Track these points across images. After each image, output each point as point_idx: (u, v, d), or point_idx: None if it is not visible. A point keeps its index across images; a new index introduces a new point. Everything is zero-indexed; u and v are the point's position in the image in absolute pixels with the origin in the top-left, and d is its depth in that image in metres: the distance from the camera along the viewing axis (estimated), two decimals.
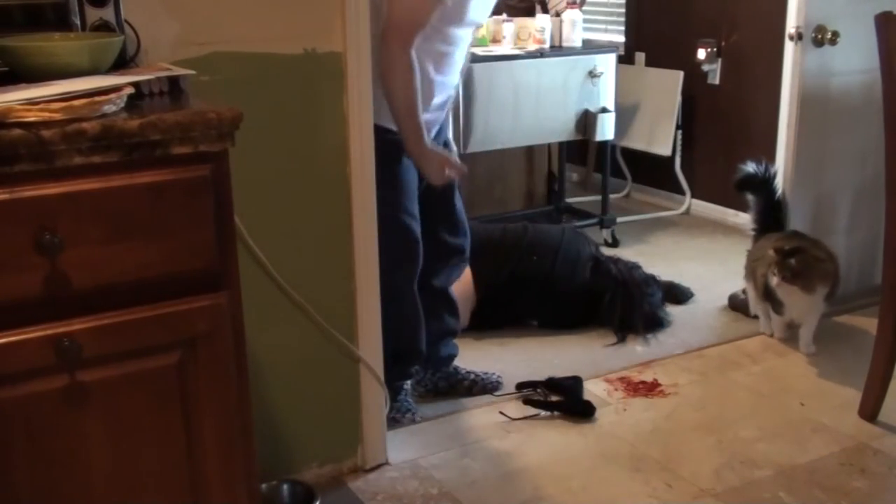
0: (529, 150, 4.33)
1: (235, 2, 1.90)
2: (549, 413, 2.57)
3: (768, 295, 2.93)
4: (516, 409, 2.60)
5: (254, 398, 1.52)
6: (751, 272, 3.08)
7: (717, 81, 4.33)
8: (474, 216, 3.35)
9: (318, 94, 2.03)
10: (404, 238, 2.36)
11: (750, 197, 3.20)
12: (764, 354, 2.98)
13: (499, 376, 2.74)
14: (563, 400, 2.62)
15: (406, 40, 2.15)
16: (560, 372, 2.78)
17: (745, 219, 3.33)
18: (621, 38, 4.70)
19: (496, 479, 2.29)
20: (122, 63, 1.58)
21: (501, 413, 2.57)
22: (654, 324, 3.17)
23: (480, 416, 2.58)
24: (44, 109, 1.26)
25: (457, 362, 2.72)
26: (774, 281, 2.81)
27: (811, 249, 2.86)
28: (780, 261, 2.81)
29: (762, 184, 3.12)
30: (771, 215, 3.12)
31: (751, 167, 3.14)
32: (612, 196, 4.32)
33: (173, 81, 1.55)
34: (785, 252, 2.82)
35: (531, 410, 2.58)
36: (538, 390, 2.66)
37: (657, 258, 3.80)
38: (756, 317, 3.16)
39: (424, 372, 2.68)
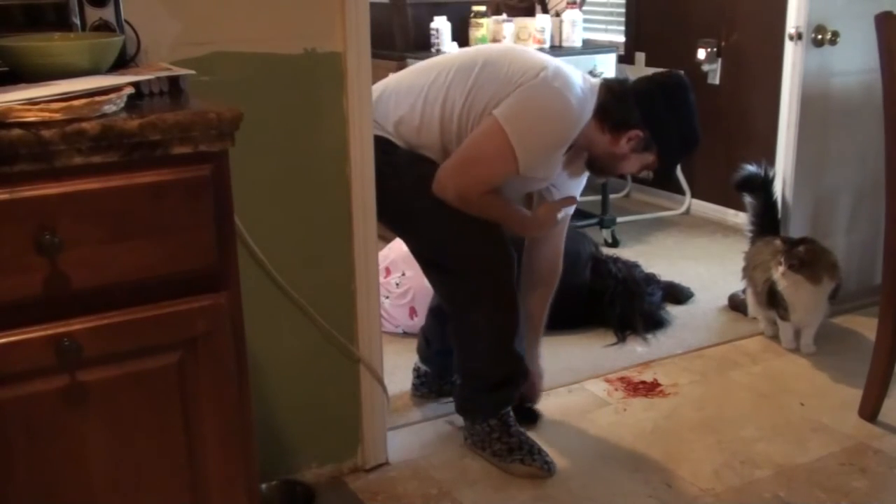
0: None
1: (236, 2, 1.90)
2: None
3: (772, 300, 2.93)
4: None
5: (254, 398, 1.51)
6: (749, 277, 3.08)
7: (717, 81, 4.33)
8: None
9: (318, 94, 2.03)
10: (493, 243, 2.23)
11: (748, 199, 3.21)
12: (764, 354, 2.98)
13: None
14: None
15: (477, 189, 2.16)
16: (560, 371, 2.79)
17: (744, 219, 3.33)
18: (621, 38, 4.70)
19: (496, 479, 2.29)
20: (122, 63, 1.58)
21: (451, 423, 2.53)
22: (654, 323, 3.17)
23: None
24: (44, 109, 1.26)
25: None
26: (780, 270, 2.80)
27: (818, 243, 2.86)
28: (787, 249, 2.81)
29: (762, 185, 3.13)
30: (768, 217, 3.13)
31: (751, 168, 3.15)
32: (612, 196, 4.32)
33: (173, 81, 1.55)
34: (793, 242, 2.83)
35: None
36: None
37: (657, 258, 3.80)
38: (755, 318, 3.16)
39: (433, 378, 2.68)
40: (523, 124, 2.12)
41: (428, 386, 2.68)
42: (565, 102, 2.15)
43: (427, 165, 2.21)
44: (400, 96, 2.25)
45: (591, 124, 2.23)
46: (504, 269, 2.23)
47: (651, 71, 2.46)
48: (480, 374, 2.34)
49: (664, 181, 2.37)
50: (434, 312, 2.63)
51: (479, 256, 2.21)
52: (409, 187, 2.21)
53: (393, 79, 2.34)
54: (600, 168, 2.35)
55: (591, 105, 2.22)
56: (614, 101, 2.23)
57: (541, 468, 2.29)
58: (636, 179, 4.79)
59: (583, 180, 2.46)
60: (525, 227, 2.31)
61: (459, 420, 2.47)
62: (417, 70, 2.32)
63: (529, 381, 2.46)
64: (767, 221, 3.13)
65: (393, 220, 2.30)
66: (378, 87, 2.29)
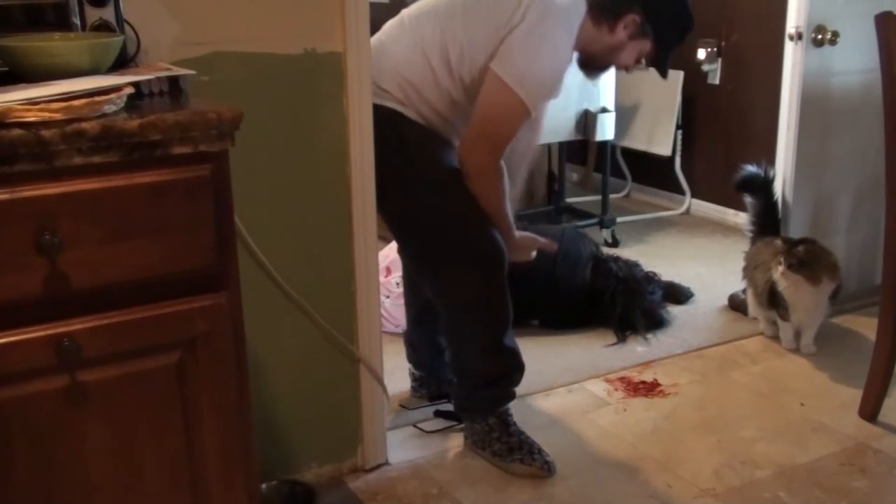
0: None
1: (236, 2, 1.90)
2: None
3: (773, 301, 2.93)
4: (434, 422, 2.55)
5: (254, 398, 1.52)
6: (750, 277, 3.08)
7: (717, 81, 4.33)
8: None
9: (318, 95, 2.03)
10: (491, 239, 2.23)
11: (748, 200, 3.21)
12: (764, 354, 2.98)
13: None
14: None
15: (498, 152, 2.17)
16: (560, 372, 2.79)
17: (745, 219, 3.33)
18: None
19: (496, 478, 2.29)
20: (122, 63, 1.58)
21: (416, 426, 2.52)
22: (655, 322, 3.17)
23: None
24: (44, 109, 1.26)
25: None
26: (780, 270, 2.81)
27: (818, 243, 2.87)
28: (787, 249, 2.81)
29: (762, 185, 3.13)
30: (769, 218, 3.13)
31: (752, 168, 3.15)
32: (612, 196, 4.32)
33: (173, 81, 1.55)
34: (792, 242, 2.83)
35: (444, 423, 2.53)
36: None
37: (657, 258, 3.79)
38: (755, 318, 3.16)
39: (429, 380, 2.68)
40: (523, 72, 2.12)
41: (426, 387, 2.68)
42: (555, 31, 2.16)
43: (437, 149, 2.20)
44: (397, 56, 2.21)
45: (584, 26, 2.23)
46: (495, 265, 2.23)
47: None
48: (475, 372, 2.34)
49: (660, 70, 2.38)
50: (414, 319, 2.63)
51: (471, 251, 2.21)
52: (414, 173, 2.20)
53: (379, 39, 2.28)
54: (598, 65, 2.36)
55: (578, 14, 2.22)
56: None
57: (541, 468, 2.29)
58: (636, 179, 4.80)
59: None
60: (505, 234, 2.28)
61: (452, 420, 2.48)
62: (400, 25, 2.28)
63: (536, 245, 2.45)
64: (768, 222, 3.13)
65: (391, 204, 2.27)
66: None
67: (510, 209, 2.32)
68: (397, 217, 2.30)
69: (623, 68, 2.39)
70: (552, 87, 2.24)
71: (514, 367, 2.36)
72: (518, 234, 2.35)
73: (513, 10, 2.14)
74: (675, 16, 2.32)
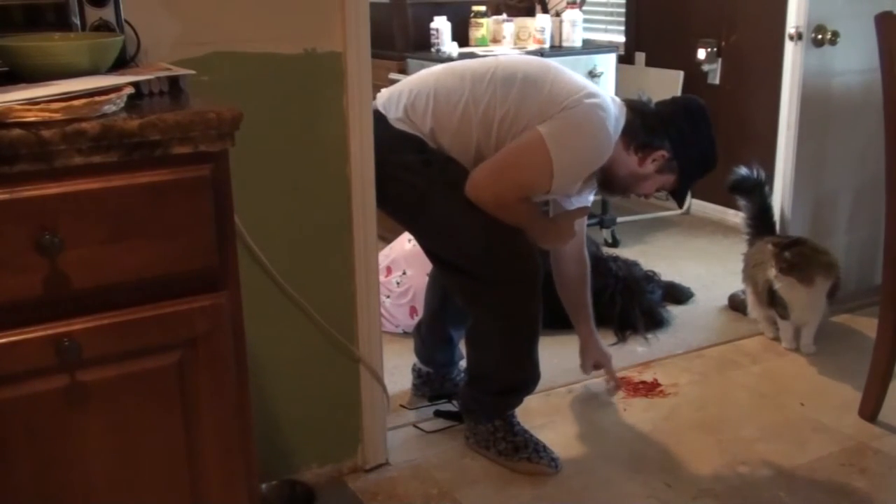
0: None
1: (236, 2, 1.90)
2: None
3: (772, 300, 2.93)
4: (434, 422, 2.55)
5: (254, 398, 1.52)
6: (749, 277, 3.08)
7: (717, 81, 4.33)
8: None
9: (318, 94, 2.03)
10: (526, 253, 2.22)
11: (742, 202, 3.22)
12: (764, 354, 2.98)
13: None
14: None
15: (506, 196, 2.17)
16: (560, 372, 2.79)
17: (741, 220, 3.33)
18: (621, 38, 4.71)
19: (497, 478, 2.29)
20: (122, 63, 1.58)
21: (416, 426, 2.53)
22: (654, 321, 3.18)
23: None
24: (44, 109, 1.26)
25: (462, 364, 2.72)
26: (772, 273, 2.82)
27: (810, 243, 2.87)
28: (777, 253, 2.83)
29: (754, 187, 3.14)
30: (764, 219, 3.14)
31: (744, 170, 3.16)
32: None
33: (173, 81, 1.55)
34: (783, 245, 2.84)
35: (444, 423, 2.54)
36: (452, 402, 2.61)
37: (657, 258, 3.79)
38: (755, 318, 3.16)
39: (435, 379, 2.68)
40: (565, 146, 2.14)
41: (429, 385, 2.68)
42: (605, 130, 2.19)
43: (460, 168, 2.21)
44: (438, 99, 2.22)
45: (617, 145, 2.26)
46: (529, 280, 2.22)
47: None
48: (492, 378, 2.34)
49: (678, 200, 2.43)
50: (432, 314, 2.63)
51: (507, 267, 2.19)
52: (440, 187, 2.20)
53: (425, 78, 2.30)
54: (619, 188, 2.38)
55: (619, 126, 2.26)
56: (641, 123, 2.28)
57: (548, 465, 2.29)
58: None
59: (593, 189, 2.47)
60: (546, 236, 2.31)
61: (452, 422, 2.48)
62: (451, 73, 2.29)
63: (604, 367, 2.58)
64: (763, 223, 3.14)
65: (413, 218, 2.28)
66: (413, 85, 2.28)
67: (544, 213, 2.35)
68: (428, 237, 2.32)
69: (642, 196, 2.42)
70: (578, 175, 2.26)
71: (531, 379, 2.37)
72: (553, 223, 2.37)
73: (571, 94, 2.17)
74: (701, 156, 2.34)
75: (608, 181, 2.35)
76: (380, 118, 2.19)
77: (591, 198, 2.51)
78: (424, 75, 2.32)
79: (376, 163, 2.13)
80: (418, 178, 2.19)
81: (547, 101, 2.17)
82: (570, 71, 2.29)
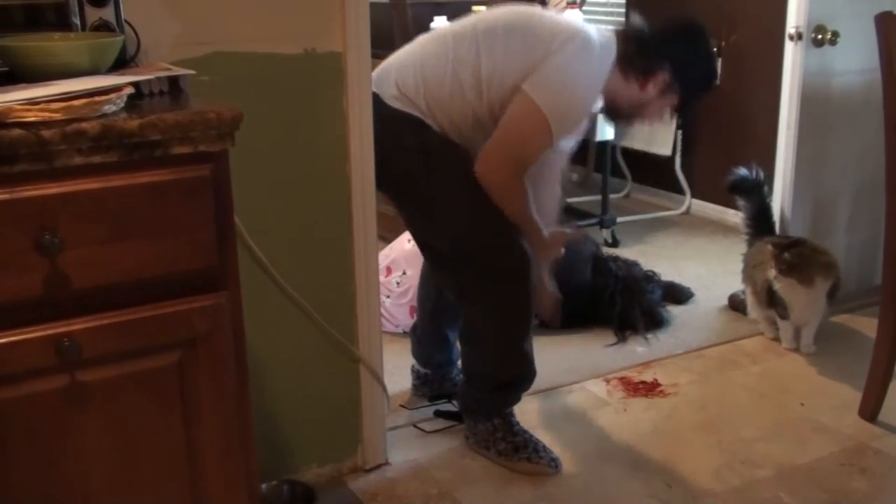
0: None
1: (235, 2, 1.90)
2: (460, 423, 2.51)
3: (772, 301, 2.93)
4: (434, 422, 2.55)
5: (254, 398, 1.51)
6: (749, 277, 3.08)
7: (717, 81, 4.32)
8: None
9: (318, 94, 2.03)
10: (517, 246, 2.23)
11: (741, 202, 3.22)
12: (764, 354, 2.98)
13: None
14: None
15: (518, 171, 2.16)
16: (560, 372, 2.79)
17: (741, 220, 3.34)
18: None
19: (496, 478, 2.29)
20: (122, 63, 1.58)
21: (416, 426, 2.53)
22: (654, 321, 3.18)
23: None
24: (44, 109, 1.26)
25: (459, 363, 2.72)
26: (772, 274, 2.82)
27: (809, 244, 2.87)
28: (777, 254, 2.82)
29: (753, 188, 3.14)
30: (763, 219, 3.14)
31: (742, 171, 3.16)
32: (612, 196, 4.32)
33: (173, 81, 1.55)
34: (782, 246, 2.84)
35: (444, 423, 2.54)
36: (452, 402, 2.60)
37: (657, 258, 3.79)
38: (755, 319, 3.16)
39: (434, 380, 2.68)
40: (554, 100, 2.12)
41: (428, 386, 2.68)
42: (590, 70, 2.17)
43: (460, 152, 2.20)
44: (426, 70, 2.21)
45: (613, 77, 2.24)
46: (520, 273, 2.22)
47: None
48: (488, 375, 2.34)
49: (684, 116, 2.43)
50: (427, 315, 2.63)
51: (497, 259, 2.20)
52: (438, 174, 2.20)
53: (412, 50, 2.29)
54: (623, 116, 2.37)
55: (609, 59, 2.23)
56: (637, 50, 2.26)
57: (548, 465, 2.29)
58: (636, 179, 4.80)
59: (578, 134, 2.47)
60: (535, 239, 2.28)
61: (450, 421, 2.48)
62: (435, 39, 2.28)
63: (545, 303, 2.48)
64: (762, 223, 3.14)
65: (412, 211, 2.28)
66: (401, 59, 2.27)
67: (544, 213, 2.31)
68: (420, 224, 2.31)
69: (647, 123, 2.42)
70: (578, 121, 2.24)
71: (527, 374, 2.37)
72: (547, 232, 2.34)
73: (552, 38, 2.14)
74: (702, 74, 2.35)
75: (612, 111, 2.35)
76: (374, 99, 2.16)
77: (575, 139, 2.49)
78: (410, 48, 2.30)
79: (374, 144, 2.12)
80: (415, 162, 2.19)
81: (530, 50, 2.14)
82: (551, 14, 2.27)
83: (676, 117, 2.48)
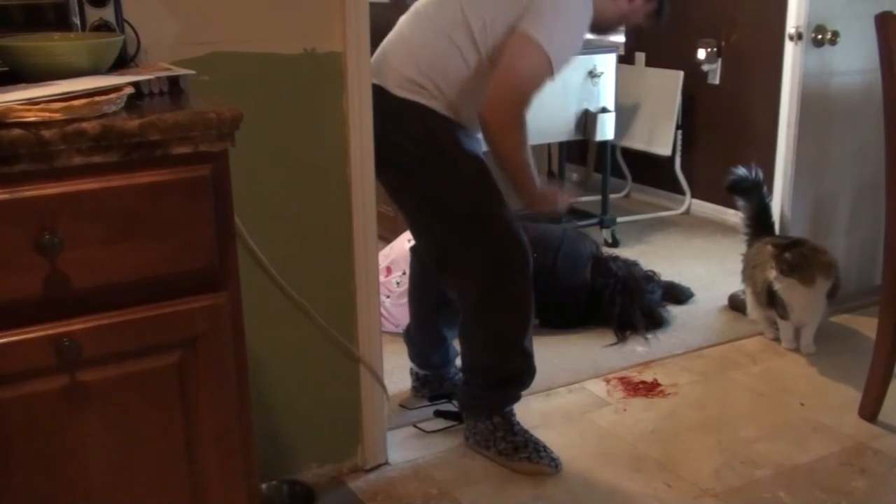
0: None
1: (235, 2, 1.90)
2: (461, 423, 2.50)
3: (772, 301, 2.93)
4: (434, 422, 2.55)
5: (254, 398, 1.52)
6: (749, 277, 3.08)
7: (717, 81, 4.33)
8: None
9: (318, 94, 2.03)
10: (517, 239, 2.24)
11: (740, 202, 3.22)
12: (764, 354, 2.98)
13: None
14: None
15: (521, 109, 2.15)
16: (560, 372, 2.79)
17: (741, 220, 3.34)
18: (621, 38, 4.69)
19: (496, 478, 2.29)
20: (122, 63, 1.58)
21: (416, 426, 2.53)
22: (654, 321, 3.18)
23: None
24: (44, 109, 1.26)
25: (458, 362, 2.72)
26: (773, 275, 2.82)
27: (809, 244, 2.87)
28: (777, 254, 2.82)
29: (752, 188, 3.14)
30: (762, 219, 3.14)
31: (742, 171, 3.16)
32: (612, 196, 4.32)
33: (173, 81, 1.54)
34: (782, 246, 2.84)
35: (444, 423, 2.53)
36: (452, 402, 2.60)
37: (657, 258, 3.79)
38: (755, 319, 3.16)
39: (433, 381, 2.68)
40: (551, 33, 2.13)
41: (428, 387, 2.68)
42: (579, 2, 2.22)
43: (464, 145, 2.20)
44: (420, 44, 2.22)
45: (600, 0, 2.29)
46: (519, 269, 2.23)
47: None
48: (487, 371, 2.34)
49: (660, 17, 2.47)
50: (421, 317, 2.63)
51: (497, 251, 2.21)
52: (442, 170, 2.20)
53: (399, 32, 2.30)
54: (611, 29, 2.50)
55: None
56: None
57: (548, 465, 2.29)
58: (636, 179, 4.80)
59: None
60: (529, 191, 2.26)
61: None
62: (415, 14, 2.29)
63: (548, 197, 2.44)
64: (761, 223, 3.14)
65: (413, 199, 2.28)
66: (390, 45, 2.28)
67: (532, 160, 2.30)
68: (420, 213, 2.31)
69: (633, 26, 2.53)
70: (574, 50, 2.27)
71: (526, 371, 2.37)
72: (541, 188, 2.34)
73: None
74: None
75: (601, 28, 2.42)
76: (377, 90, 2.16)
77: None
78: (396, 33, 2.30)
79: (379, 135, 2.12)
80: (421, 151, 2.19)
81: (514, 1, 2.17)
82: None
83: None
